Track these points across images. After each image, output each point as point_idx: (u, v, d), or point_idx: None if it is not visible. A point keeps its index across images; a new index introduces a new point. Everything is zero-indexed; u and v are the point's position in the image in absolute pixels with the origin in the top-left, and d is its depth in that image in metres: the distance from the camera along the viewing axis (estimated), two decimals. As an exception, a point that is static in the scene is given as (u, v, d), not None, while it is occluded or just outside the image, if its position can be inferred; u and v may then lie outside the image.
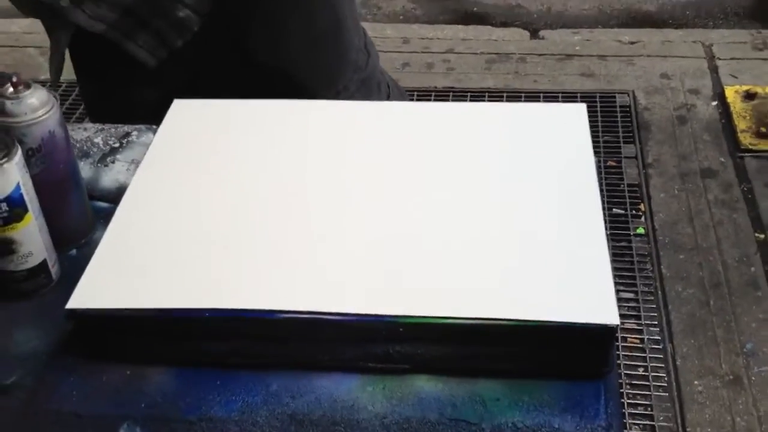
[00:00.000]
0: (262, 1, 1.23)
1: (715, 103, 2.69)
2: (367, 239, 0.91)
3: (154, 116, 1.14)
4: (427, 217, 0.94)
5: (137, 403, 0.83)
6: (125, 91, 1.32)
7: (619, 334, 1.91)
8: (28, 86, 0.94)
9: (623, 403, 1.77)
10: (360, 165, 1.02)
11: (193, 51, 1.24)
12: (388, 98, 1.39)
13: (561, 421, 0.81)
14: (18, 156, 0.89)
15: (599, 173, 2.40)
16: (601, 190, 2.31)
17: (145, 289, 0.86)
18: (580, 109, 1.10)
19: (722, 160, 2.46)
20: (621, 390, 1.80)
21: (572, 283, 0.86)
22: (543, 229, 0.92)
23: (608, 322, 0.82)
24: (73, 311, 0.85)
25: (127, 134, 1.19)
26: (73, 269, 0.92)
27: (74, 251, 1.01)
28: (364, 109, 1.15)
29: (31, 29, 3.21)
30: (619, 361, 1.85)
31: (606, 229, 2.16)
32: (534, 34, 3.13)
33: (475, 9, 3.40)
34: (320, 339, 0.85)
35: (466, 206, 0.95)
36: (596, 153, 2.44)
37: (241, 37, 1.26)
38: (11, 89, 0.93)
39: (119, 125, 1.22)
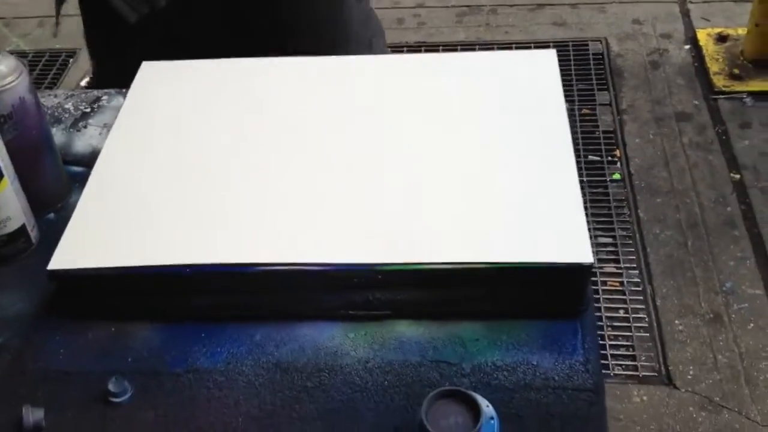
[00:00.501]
0: None
1: (687, 46, 2.70)
2: (342, 189, 0.92)
3: None
4: (402, 165, 0.95)
5: (124, 358, 0.85)
6: (122, 43, 1.32)
7: (599, 278, 1.93)
8: (-5, 54, 0.94)
9: (605, 345, 1.80)
10: (333, 118, 1.02)
11: (178, 12, 1.24)
12: None
13: (539, 358, 0.83)
14: (-10, 123, 0.89)
15: (574, 122, 2.42)
16: (576, 138, 2.35)
17: (125, 248, 0.87)
18: (550, 55, 1.11)
19: (696, 103, 2.47)
20: (602, 332, 1.82)
21: (547, 225, 0.87)
22: (516, 175, 0.93)
23: (583, 261, 0.84)
24: (54, 272, 0.86)
25: (98, 99, 1.19)
26: (52, 232, 0.92)
27: (52, 215, 1.01)
28: (338, 63, 1.14)
29: (-4, 0, 3.18)
30: (599, 305, 1.87)
31: (582, 176, 2.18)
32: (506, -15, 3.12)
33: (445, -38, 3.39)
34: (300, 289, 0.86)
35: (441, 155, 0.96)
36: (570, 101, 2.47)
37: (233, 5, 1.25)
38: (-22, 57, 0.93)
39: (89, 90, 1.21)
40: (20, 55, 2.76)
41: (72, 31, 2.94)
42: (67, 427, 0.80)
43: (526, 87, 1.06)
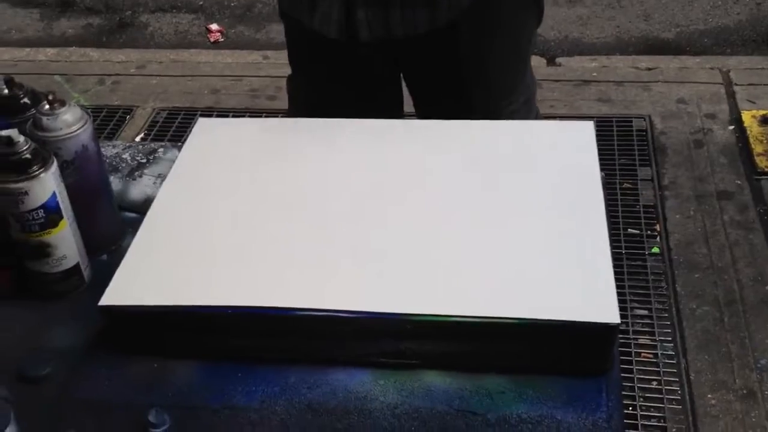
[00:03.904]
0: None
1: (731, 127, 2.72)
2: (381, 243, 0.97)
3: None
4: (438, 222, 0.99)
5: (164, 392, 0.89)
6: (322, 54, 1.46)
7: (633, 349, 1.94)
8: (63, 104, 1.01)
9: (637, 414, 1.80)
10: (375, 177, 1.08)
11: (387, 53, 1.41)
12: None
13: (563, 414, 0.86)
14: (54, 167, 0.96)
15: (615, 195, 2.45)
16: (617, 211, 2.37)
17: (172, 288, 0.92)
18: (587, 126, 1.16)
19: (738, 182, 2.49)
20: (634, 402, 1.82)
21: (576, 284, 0.90)
22: (549, 235, 0.97)
23: (609, 321, 0.87)
24: (105, 308, 0.91)
25: (154, 150, 1.26)
26: (104, 273, 0.98)
27: (105, 256, 1.07)
28: (382, 126, 1.20)
29: (58, 57, 3.33)
30: (632, 375, 1.88)
31: (621, 248, 2.18)
32: (551, 61, 3.19)
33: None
34: (335, 335, 0.90)
35: (476, 214, 1.00)
36: (612, 175, 2.49)
37: (455, 36, 1.38)
38: (47, 106, 1.00)
39: (145, 143, 1.28)
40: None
41: (129, 89, 3.09)
42: (107, 455, 0.84)
43: (564, 154, 1.10)
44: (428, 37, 1.34)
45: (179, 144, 1.21)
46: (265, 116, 2.79)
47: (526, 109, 1.51)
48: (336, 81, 1.47)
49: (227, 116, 2.83)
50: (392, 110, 1.54)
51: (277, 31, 3.51)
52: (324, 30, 1.34)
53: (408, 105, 1.58)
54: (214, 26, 3.55)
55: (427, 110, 1.51)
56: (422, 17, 1.32)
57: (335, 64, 1.44)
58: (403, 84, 1.55)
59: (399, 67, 1.48)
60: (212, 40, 3.48)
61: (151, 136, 2.80)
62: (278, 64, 3.16)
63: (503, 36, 1.42)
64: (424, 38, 1.34)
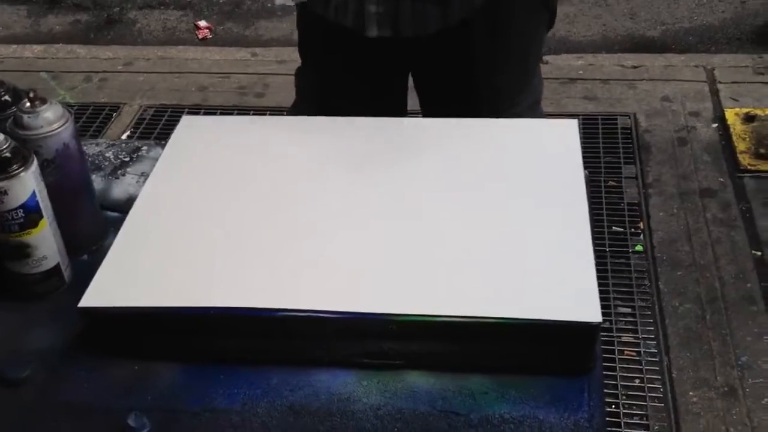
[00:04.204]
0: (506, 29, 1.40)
1: (715, 125, 2.73)
2: (363, 242, 0.96)
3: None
4: (421, 222, 0.99)
5: (144, 395, 0.89)
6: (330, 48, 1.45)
7: (616, 347, 1.94)
8: (44, 101, 1.00)
9: (619, 413, 1.81)
10: (357, 175, 1.07)
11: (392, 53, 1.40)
12: None
13: (545, 413, 0.86)
14: (34, 166, 0.95)
15: (599, 193, 2.46)
16: (601, 209, 2.37)
17: (153, 289, 0.92)
18: (571, 124, 1.16)
19: (721, 180, 2.50)
20: (617, 400, 1.83)
21: (557, 283, 0.91)
22: (532, 234, 0.97)
23: (591, 320, 0.87)
24: (85, 309, 0.91)
25: (137, 149, 1.25)
26: (85, 273, 0.97)
27: (86, 257, 1.06)
28: (369, 124, 1.20)
29: (44, 54, 3.31)
30: (615, 373, 1.88)
31: (605, 246, 2.18)
32: (538, 59, 3.19)
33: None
34: (318, 336, 0.90)
35: (459, 213, 1.00)
36: (597, 173, 2.50)
37: (468, 35, 1.37)
38: (28, 104, 0.99)
39: (129, 141, 1.27)
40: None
41: (116, 86, 3.08)
42: (87, 458, 0.84)
43: (547, 152, 1.10)
44: (439, 37, 1.33)
45: (163, 142, 1.20)
46: (253, 114, 2.78)
47: (531, 112, 1.51)
48: (348, 71, 1.46)
49: (215, 114, 2.81)
50: (397, 107, 1.54)
51: (265, 27, 3.50)
52: (340, 19, 1.34)
53: (412, 104, 1.58)
54: (202, 23, 3.53)
55: (433, 110, 1.50)
56: (434, 14, 1.31)
57: (348, 54, 1.43)
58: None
59: (408, 68, 1.48)
60: (200, 36, 3.47)
61: (137, 134, 2.78)
62: (266, 61, 3.16)
63: (516, 37, 1.42)
64: (435, 38, 1.33)
